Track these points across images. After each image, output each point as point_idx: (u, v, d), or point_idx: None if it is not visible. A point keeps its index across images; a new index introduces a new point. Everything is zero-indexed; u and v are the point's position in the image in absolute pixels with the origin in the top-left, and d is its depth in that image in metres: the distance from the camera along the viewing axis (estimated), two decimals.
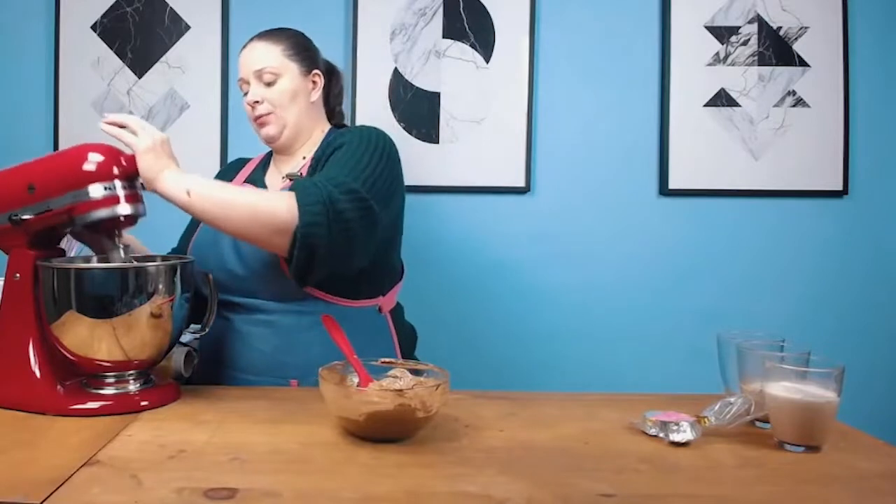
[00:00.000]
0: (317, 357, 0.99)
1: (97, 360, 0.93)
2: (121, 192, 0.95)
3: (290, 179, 1.20)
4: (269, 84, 1.22)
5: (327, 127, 1.32)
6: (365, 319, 1.19)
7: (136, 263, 0.99)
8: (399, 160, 1.20)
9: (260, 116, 1.24)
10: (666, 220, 1.87)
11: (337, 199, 1.01)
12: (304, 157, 1.27)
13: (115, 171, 0.96)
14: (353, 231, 1.03)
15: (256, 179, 1.30)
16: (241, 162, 1.41)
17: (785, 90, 1.85)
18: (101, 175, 0.95)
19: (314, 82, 1.28)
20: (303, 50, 1.27)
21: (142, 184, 1.01)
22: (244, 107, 1.26)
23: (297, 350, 1.13)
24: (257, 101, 1.23)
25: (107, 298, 0.91)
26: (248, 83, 1.24)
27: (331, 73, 1.35)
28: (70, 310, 0.90)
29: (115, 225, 0.97)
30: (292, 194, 1.01)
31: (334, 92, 1.37)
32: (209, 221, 1.02)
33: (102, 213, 0.94)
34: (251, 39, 1.27)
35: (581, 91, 1.87)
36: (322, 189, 1.02)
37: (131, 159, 0.98)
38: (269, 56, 1.23)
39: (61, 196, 0.94)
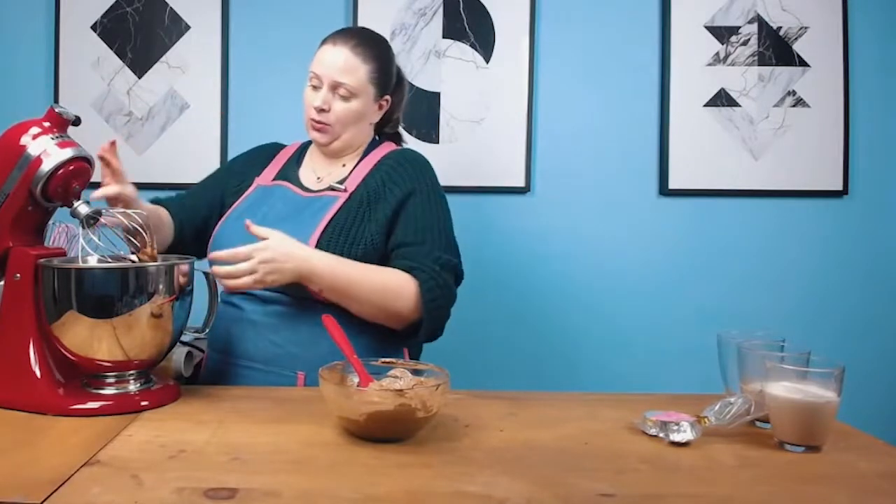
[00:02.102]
0: (326, 352, 0.98)
1: (97, 360, 0.93)
2: (53, 142, 0.96)
3: (332, 190, 1.21)
4: (342, 97, 1.20)
5: (371, 136, 1.31)
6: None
7: (136, 263, 0.99)
8: None
9: (318, 122, 1.21)
10: (666, 220, 1.87)
11: (447, 283, 1.16)
12: (343, 165, 1.26)
13: (41, 129, 0.97)
14: (454, 293, 1.20)
15: (289, 175, 1.28)
16: (276, 148, 1.37)
17: (785, 90, 1.85)
18: (32, 137, 0.96)
19: (380, 106, 1.27)
20: (384, 74, 1.24)
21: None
22: (305, 96, 1.22)
23: (307, 343, 1.13)
24: (323, 109, 1.20)
25: (107, 298, 0.91)
26: (321, 82, 1.20)
27: (399, 85, 1.32)
28: (70, 310, 0.90)
29: (69, 178, 0.97)
30: (414, 285, 1.12)
31: (397, 104, 1.33)
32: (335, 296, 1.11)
33: (48, 164, 0.94)
34: (343, 38, 1.21)
35: (581, 91, 1.87)
36: (438, 277, 1.14)
37: (51, 116, 0.99)
38: (354, 74, 1.19)
39: (10, 174, 0.95)
